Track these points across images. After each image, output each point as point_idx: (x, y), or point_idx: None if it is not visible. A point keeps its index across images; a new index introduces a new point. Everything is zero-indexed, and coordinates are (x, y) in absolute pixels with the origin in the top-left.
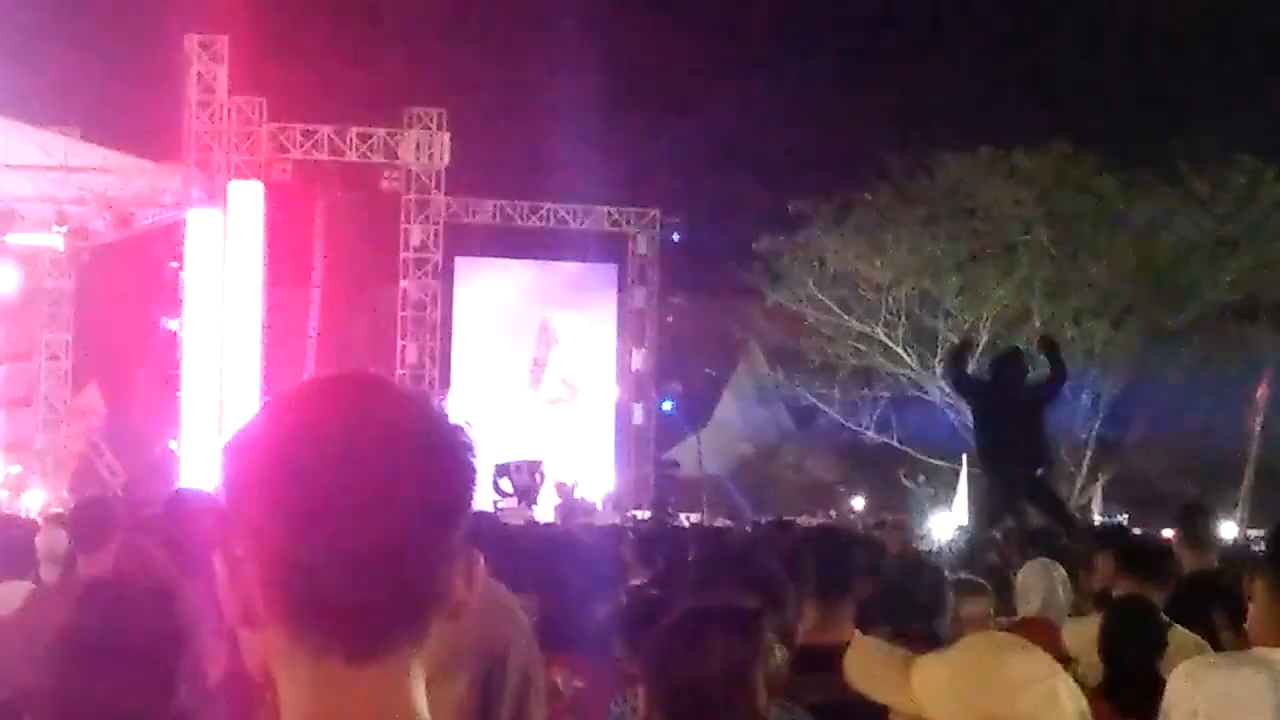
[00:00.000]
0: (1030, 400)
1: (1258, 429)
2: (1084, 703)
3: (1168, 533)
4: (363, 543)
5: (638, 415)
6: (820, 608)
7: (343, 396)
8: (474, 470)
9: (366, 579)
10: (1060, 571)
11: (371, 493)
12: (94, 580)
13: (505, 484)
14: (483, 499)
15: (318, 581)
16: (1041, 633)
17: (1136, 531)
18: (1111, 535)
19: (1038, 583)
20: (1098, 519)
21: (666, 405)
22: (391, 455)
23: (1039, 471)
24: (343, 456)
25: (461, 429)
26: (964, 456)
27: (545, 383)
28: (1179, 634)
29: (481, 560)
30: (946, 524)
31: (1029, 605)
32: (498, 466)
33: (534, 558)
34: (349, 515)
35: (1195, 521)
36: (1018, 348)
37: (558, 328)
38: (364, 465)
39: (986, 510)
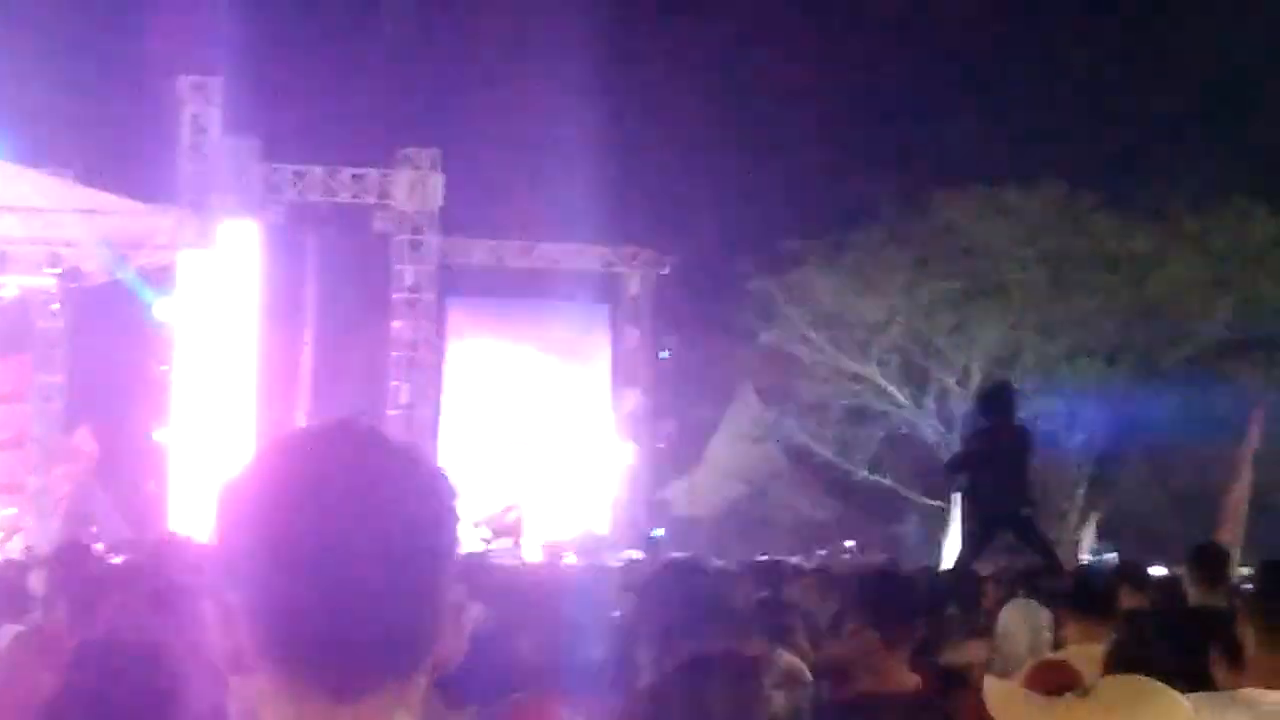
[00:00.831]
0: (1018, 438)
1: (1249, 467)
2: None
3: (1160, 570)
4: (349, 588)
5: (629, 455)
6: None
7: (332, 445)
8: (456, 516)
9: (352, 622)
10: (1045, 613)
11: (358, 540)
12: (84, 642)
13: (484, 532)
14: (472, 542)
15: (305, 625)
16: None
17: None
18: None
19: (1022, 624)
20: (1086, 558)
21: (660, 445)
22: (377, 503)
23: (1025, 511)
24: (331, 504)
25: (444, 476)
26: (954, 496)
27: (538, 423)
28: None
29: (471, 609)
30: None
31: (1015, 647)
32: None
33: (530, 599)
34: (336, 561)
35: (1206, 561)
36: (1008, 381)
37: (550, 368)
38: (351, 513)
39: (970, 547)
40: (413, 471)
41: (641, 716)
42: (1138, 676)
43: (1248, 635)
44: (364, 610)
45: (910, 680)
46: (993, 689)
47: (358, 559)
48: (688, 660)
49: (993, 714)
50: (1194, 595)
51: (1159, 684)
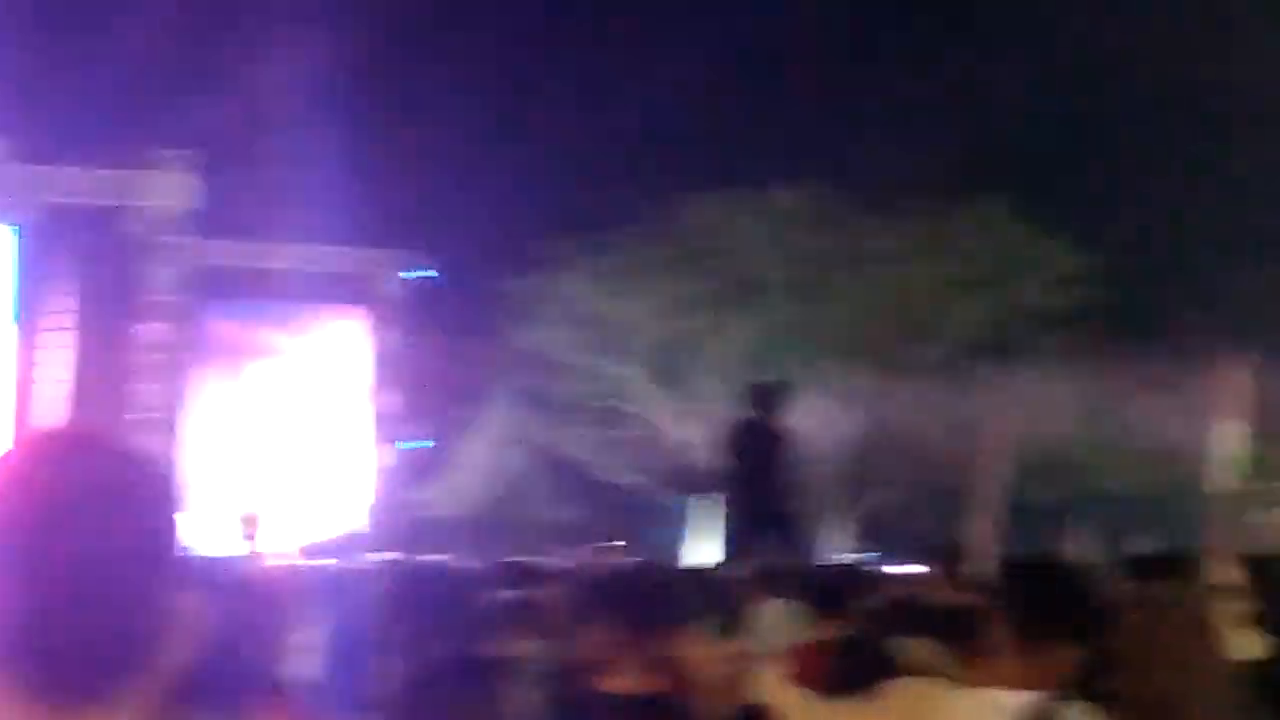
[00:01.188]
0: (782, 438)
1: (1001, 468)
2: None
3: (917, 569)
4: (63, 597)
5: (387, 458)
6: None
7: (52, 453)
8: (174, 522)
9: (67, 632)
10: (798, 614)
11: (74, 548)
12: None
13: (232, 534)
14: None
15: (22, 635)
16: None
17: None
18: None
19: (777, 624)
20: (839, 557)
21: (412, 445)
22: (91, 510)
23: (788, 511)
24: (47, 512)
25: (168, 480)
26: (716, 495)
27: (295, 426)
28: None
29: (201, 614)
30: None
31: (769, 647)
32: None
33: (276, 600)
34: (51, 570)
35: (948, 558)
36: (776, 382)
37: (308, 371)
38: (66, 521)
39: (733, 546)
40: (133, 477)
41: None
42: (922, 679)
43: (991, 634)
44: (80, 619)
45: (654, 680)
46: (775, 690)
47: (73, 567)
48: (426, 664)
49: (778, 715)
50: (938, 593)
51: (941, 687)
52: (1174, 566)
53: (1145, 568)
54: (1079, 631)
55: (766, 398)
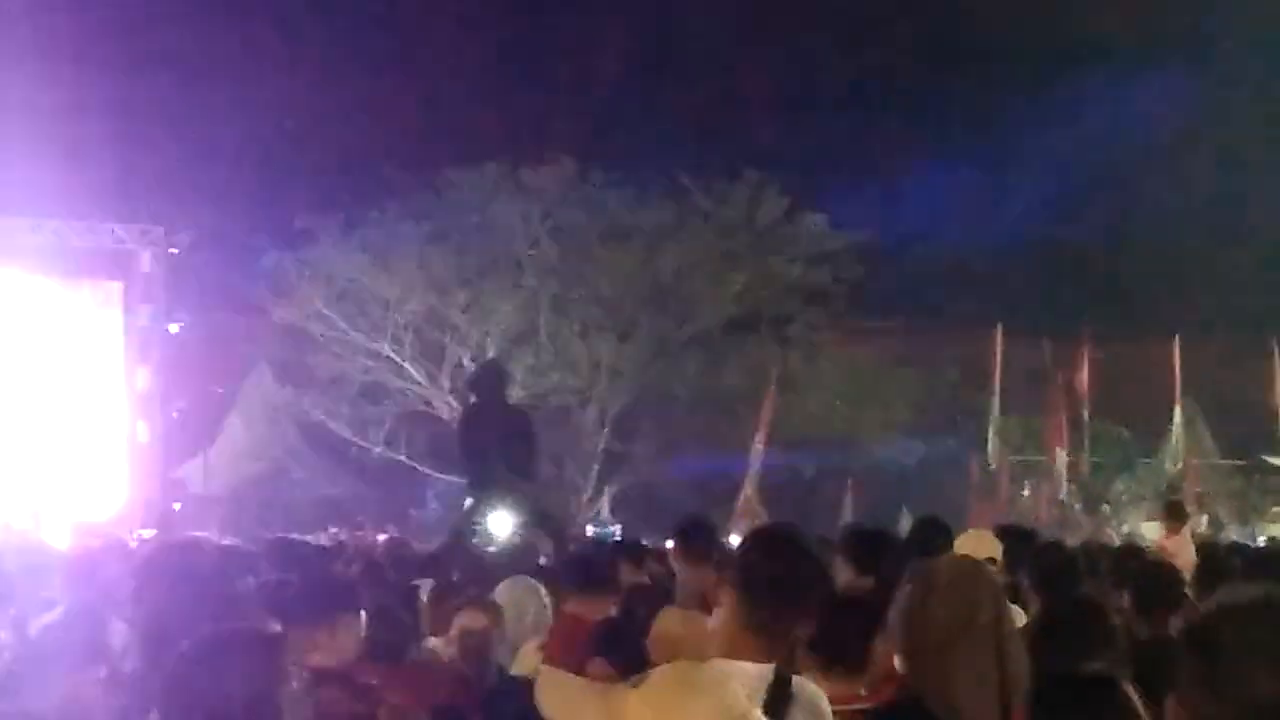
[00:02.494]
0: (510, 417)
1: (759, 443)
2: None
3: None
4: None
5: (142, 434)
6: None
7: None
8: None
9: None
10: (540, 589)
11: None
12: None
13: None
14: None
15: None
16: None
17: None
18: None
19: (520, 599)
20: (594, 531)
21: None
22: None
23: (523, 487)
24: None
25: None
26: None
27: (48, 404)
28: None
29: None
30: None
31: (515, 621)
32: None
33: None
34: None
35: (691, 534)
36: (494, 361)
37: (60, 347)
38: None
39: (459, 522)
40: None
41: (160, 696)
42: (692, 663)
43: (723, 602)
44: None
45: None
46: (547, 679)
47: None
48: (206, 635)
49: (545, 704)
50: (680, 570)
51: (713, 670)
52: (924, 541)
53: (903, 544)
54: (807, 603)
55: (486, 380)
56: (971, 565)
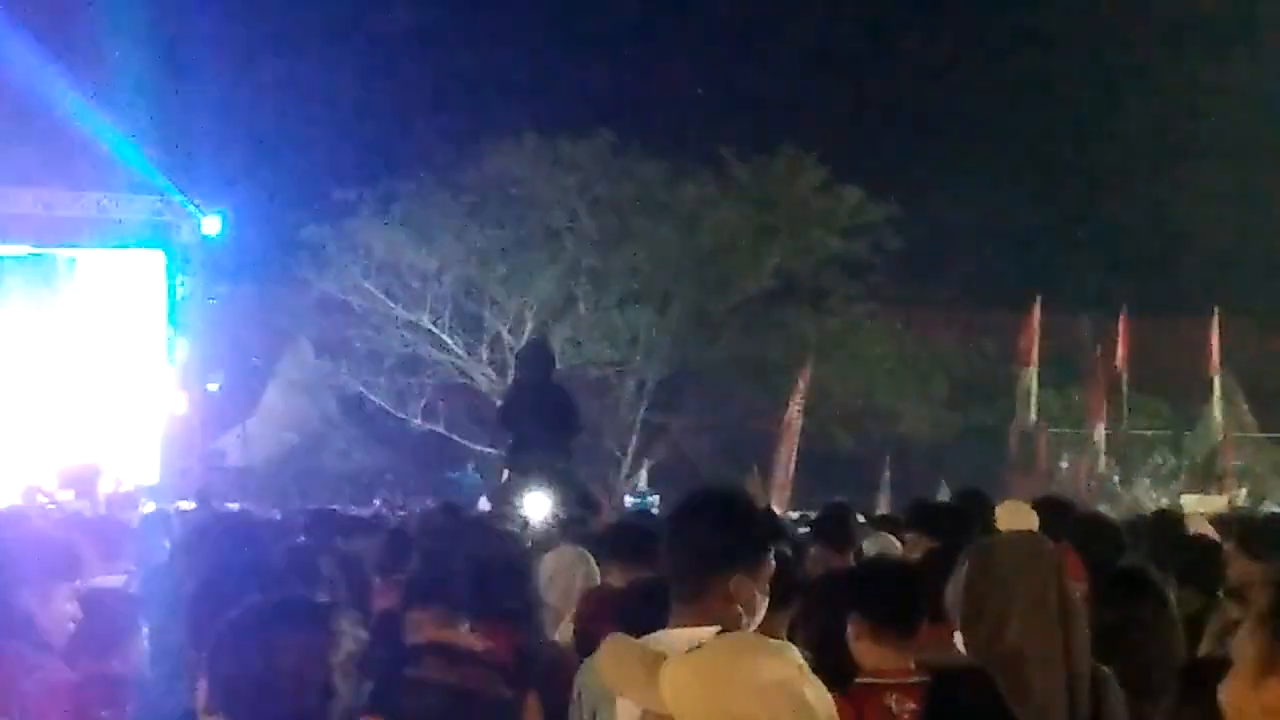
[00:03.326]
0: (554, 393)
1: (797, 413)
2: (833, 706)
3: None
4: None
5: (181, 406)
6: None
7: None
8: None
9: None
10: (589, 559)
11: None
12: None
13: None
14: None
15: None
16: None
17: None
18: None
19: (566, 570)
20: (632, 502)
21: (212, 387)
22: None
23: (561, 463)
24: None
25: None
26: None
27: (88, 374)
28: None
29: None
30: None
31: (559, 593)
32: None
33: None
34: None
35: (836, 521)
36: (542, 337)
37: (101, 318)
38: None
39: (507, 494)
40: None
41: (209, 666)
42: (749, 633)
43: None
44: None
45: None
46: (610, 642)
47: None
48: (253, 605)
49: (601, 669)
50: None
51: (767, 639)
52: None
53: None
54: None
55: (535, 356)
56: (1032, 539)
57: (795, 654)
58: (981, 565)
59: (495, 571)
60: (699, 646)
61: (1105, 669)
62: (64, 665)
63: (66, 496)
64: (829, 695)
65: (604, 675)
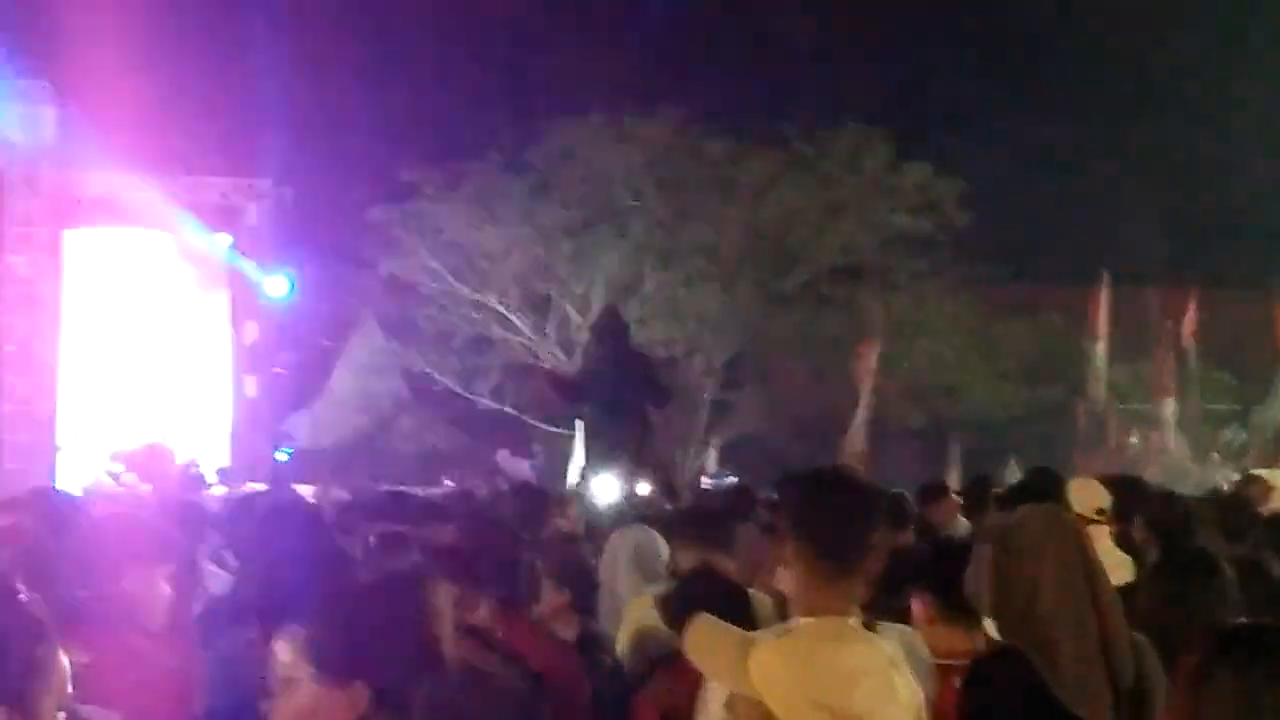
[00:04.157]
0: (632, 365)
1: (866, 390)
2: (919, 695)
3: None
4: None
5: (250, 388)
6: None
7: None
8: None
9: None
10: (660, 539)
11: None
12: None
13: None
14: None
15: None
16: None
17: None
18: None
19: (637, 549)
20: (705, 483)
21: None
22: None
23: (640, 437)
24: None
25: None
26: (578, 422)
27: (159, 356)
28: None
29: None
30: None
31: (634, 570)
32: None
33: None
34: None
35: (893, 500)
36: (613, 308)
37: (170, 300)
38: None
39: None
40: None
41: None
42: (841, 620)
43: (791, 558)
44: None
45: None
46: (696, 625)
47: None
48: (385, 578)
49: (688, 648)
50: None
51: (857, 627)
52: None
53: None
54: (867, 543)
55: (610, 327)
56: (1051, 514)
57: (885, 644)
58: (1003, 546)
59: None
60: (788, 632)
61: (1142, 637)
62: (166, 650)
63: (131, 479)
64: (917, 686)
65: (691, 657)
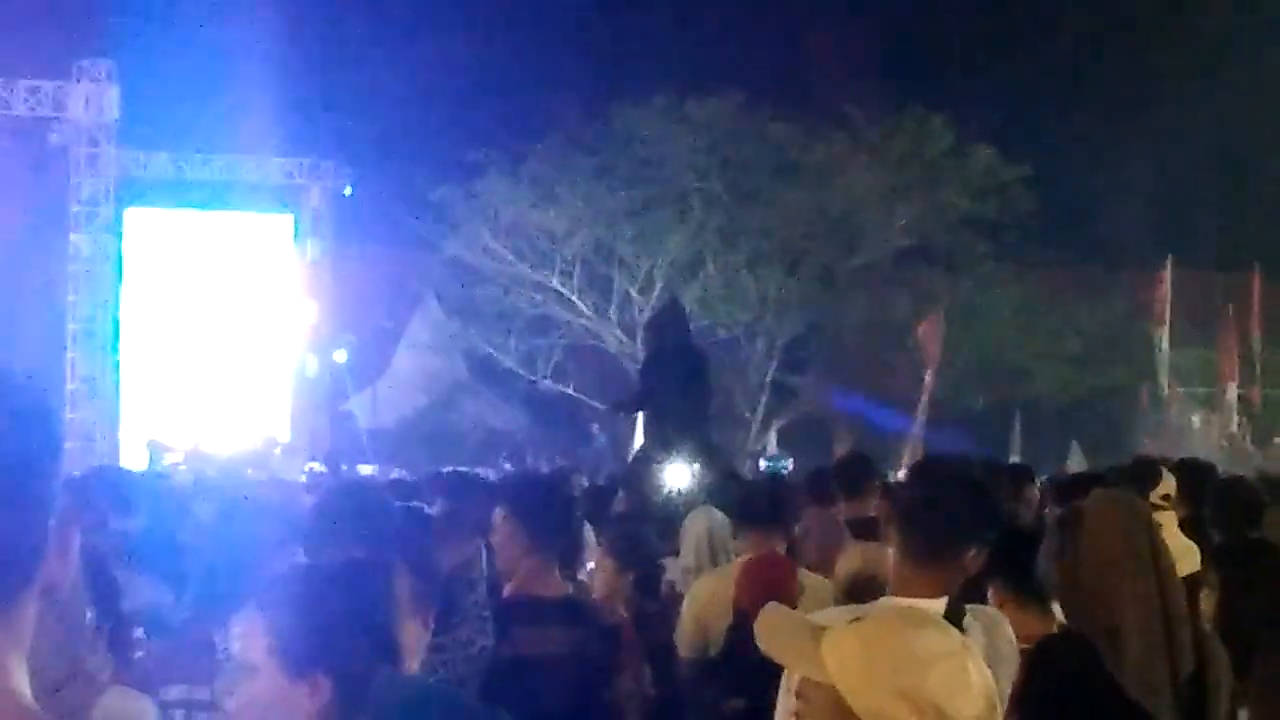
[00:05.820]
0: (691, 357)
1: (929, 373)
2: (991, 680)
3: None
4: None
5: (312, 367)
6: None
7: None
8: (58, 438)
9: None
10: (726, 520)
11: None
12: None
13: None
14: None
15: None
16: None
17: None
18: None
19: (705, 530)
20: (765, 465)
21: (340, 355)
22: None
23: (700, 426)
24: None
25: (36, 394)
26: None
27: (220, 335)
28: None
29: (78, 539)
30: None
31: (698, 553)
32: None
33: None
34: None
35: (849, 471)
36: (673, 300)
37: (232, 279)
38: None
39: (645, 458)
40: (8, 394)
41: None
42: (911, 606)
43: (894, 538)
44: None
45: (559, 585)
46: (765, 614)
47: None
48: (347, 565)
49: (760, 638)
50: (843, 508)
51: (929, 613)
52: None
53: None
54: (973, 531)
55: (667, 322)
56: (1120, 497)
57: (957, 630)
58: (1073, 531)
59: None
60: (859, 619)
61: (1206, 627)
62: None
63: (175, 458)
64: (989, 673)
65: (763, 644)
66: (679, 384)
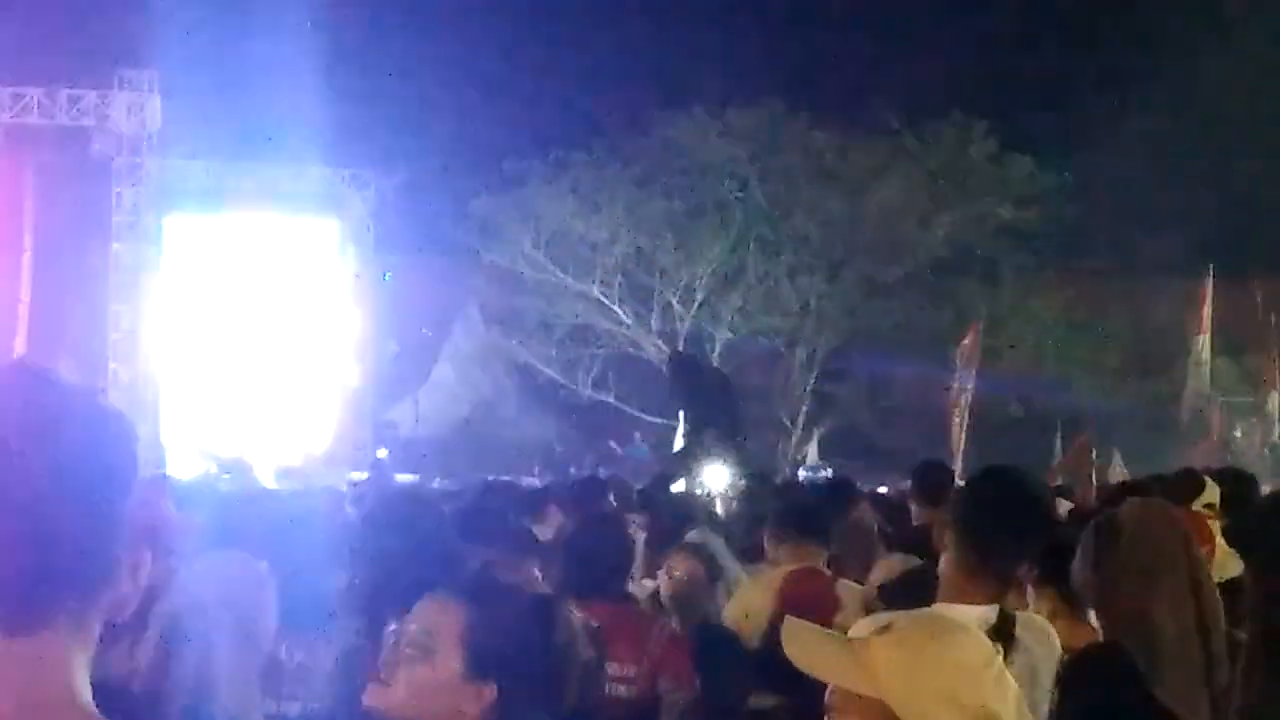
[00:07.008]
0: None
1: (969, 380)
2: (1017, 687)
3: (883, 488)
4: (16, 521)
5: (354, 376)
6: None
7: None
8: (133, 456)
9: (18, 553)
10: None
11: (27, 474)
12: None
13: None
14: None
15: None
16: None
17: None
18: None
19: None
20: (805, 474)
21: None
22: (45, 440)
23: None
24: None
25: (120, 416)
26: (681, 412)
27: (262, 345)
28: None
29: (149, 557)
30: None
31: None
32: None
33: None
34: (5, 494)
35: (927, 479)
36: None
37: (273, 289)
38: (20, 448)
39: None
40: (86, 411)
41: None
42: (936, 613)
43: (948, 545)
44: (31, 541)
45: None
46: (789, 628)
47: (26, 492)
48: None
49: (792, 653)
50: (916, 514)
51: (957, 620)
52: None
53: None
54: (1029, 543)
55: (683, 370)
56: (1156, 507)
57: (982, 635)
58: (1105, 539)
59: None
60: (887, 626)
61: (1241, 634)
62: None
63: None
64: (1012, 679)
65: (797, 659)
66: (710, 396)
